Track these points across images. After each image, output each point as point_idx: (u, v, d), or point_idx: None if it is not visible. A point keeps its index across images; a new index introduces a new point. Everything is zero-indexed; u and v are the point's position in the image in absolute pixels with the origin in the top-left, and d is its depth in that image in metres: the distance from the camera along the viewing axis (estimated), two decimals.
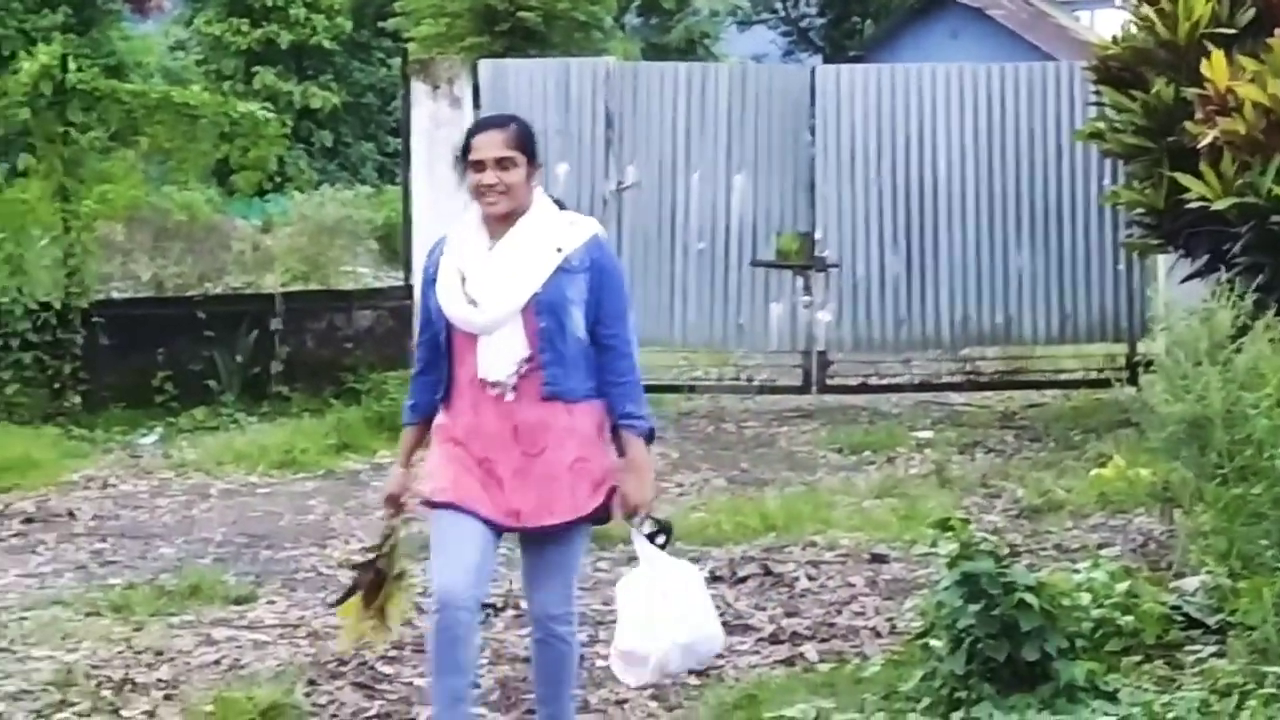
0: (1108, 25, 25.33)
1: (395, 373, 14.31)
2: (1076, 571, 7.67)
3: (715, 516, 10.79)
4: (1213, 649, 7.13)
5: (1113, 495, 10.77)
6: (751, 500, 11.38)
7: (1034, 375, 16.71)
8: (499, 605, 8.60)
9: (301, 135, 40.25)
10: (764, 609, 8.77)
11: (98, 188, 16.56)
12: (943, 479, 12.15)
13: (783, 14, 56.81)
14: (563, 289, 5.86)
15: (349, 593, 6.41)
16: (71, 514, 11.54)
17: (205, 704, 7.15)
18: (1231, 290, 8.97)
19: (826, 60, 46.80)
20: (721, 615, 8.55)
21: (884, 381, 16.75)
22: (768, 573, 9.46)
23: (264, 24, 42.18)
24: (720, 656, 7.90)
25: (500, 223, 5.92)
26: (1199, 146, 11.11)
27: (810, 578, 9.38)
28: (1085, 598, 7.26)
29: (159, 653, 8.07)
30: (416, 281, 12.27)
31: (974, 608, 6.38)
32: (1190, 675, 6.87)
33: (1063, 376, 16.61)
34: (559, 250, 5.87)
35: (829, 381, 16.41)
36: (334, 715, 7.21)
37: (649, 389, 17.44)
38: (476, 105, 16.03)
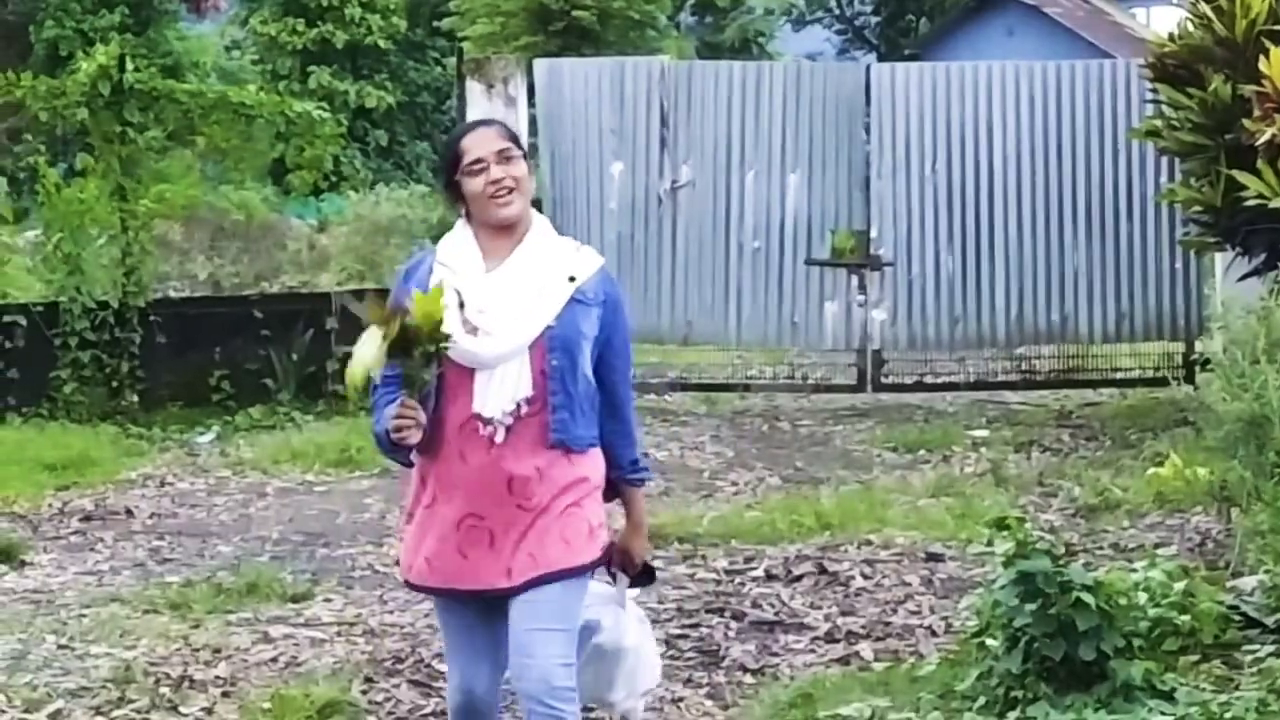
0: (1164, 22, 25.27)
1: None
2: (1133, 571, 7.63)
3: (770, 515, 10.79)
4: (1271, 648, 7.10)
5: (1170, 494, 10.71)
6: (806, 499, 11.37)
7: (1090, 374, 16.65)
8: None
9: (357, 135, 40.34)
10: (819, 608, 8.77)
11: (155, 187, 16.63)
12: (998, 478, 12.12)
13: (837, 12, 56.80)
14: (577, 323, 5.21)
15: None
16: (130, 512, 11.60)
17: (263, 701, 7.18)
18: None
19: (881, 59, 46.79)
20: (776, 614, 8.63)
21: (939, 380, 16.70)
22: (823, 571, 9.46)
23: (319, 24, 42.30)
24: (776, 655, 7.94)
25: (500, 239, 5.26)
26: (1257, 144, 11.03)
27: (865, 576, 9.37)
28: (1142, 597, 7.23)
29: (217, 650, 8.11)
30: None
31: (1030, 607, 6.36)
32: (1248, 675, 6.84)
33: (1119, 375, 16.56)
34: (571, 279, 5.24)
35: (884, 380, 16.40)
36: (390, 713, 7.23)
37: (704, 387, 17.33)
38: (531, 105, 16.07)
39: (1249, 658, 7.07)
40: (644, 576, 5.66)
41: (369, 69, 43.54)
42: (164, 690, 7.46)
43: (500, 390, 5.15)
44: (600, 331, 5.26)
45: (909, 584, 9.21)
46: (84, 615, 8.79)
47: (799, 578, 9.36)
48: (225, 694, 7.44)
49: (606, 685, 5.78)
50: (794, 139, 16.11)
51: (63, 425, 14.55)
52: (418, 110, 45.50)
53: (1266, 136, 10.82)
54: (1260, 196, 10.96)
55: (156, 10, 40.76)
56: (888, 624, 8.43)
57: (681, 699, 7.30)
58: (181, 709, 7.26)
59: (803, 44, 53.21)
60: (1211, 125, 12.35)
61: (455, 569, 5.24)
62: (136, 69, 16.67)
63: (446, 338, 4.99)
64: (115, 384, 15.37)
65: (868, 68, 17.23)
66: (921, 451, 13.55)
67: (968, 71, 16.45)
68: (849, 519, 10.64)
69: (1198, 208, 12.85)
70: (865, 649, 7.99)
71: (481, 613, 5.31)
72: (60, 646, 8.21)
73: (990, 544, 6.72)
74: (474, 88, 15.95)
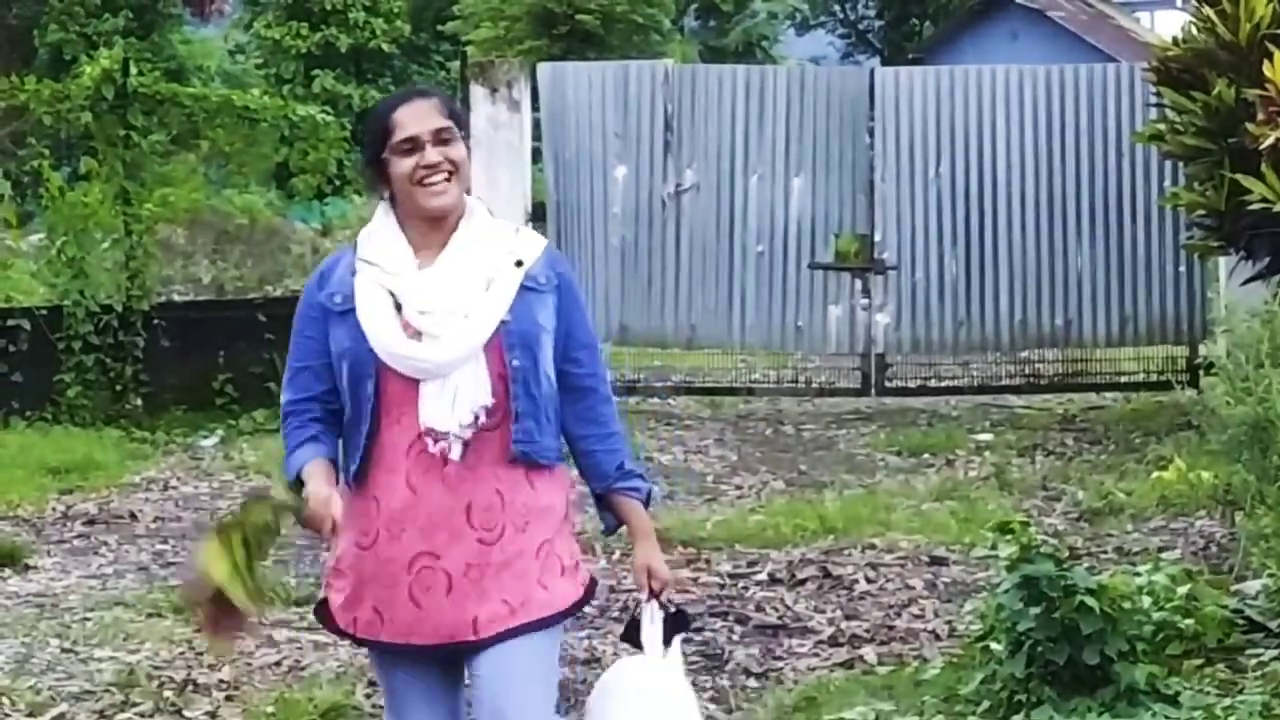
0: (1168, 26, 25.24)
1: None
2: (1137, 574, 7.63)
3: (774, 519, 10.79)
4: (1275, 652, 7.09)
5: (1173, 498, 10.72)
6: (810, 502, 11.37)
7: (1094, 377, 16.65)
8: None
9: (360, 138, 40.32)
10: (823, 611, 8.77)
11: (159, 191, 16.62)
12: (1002, 481, 12.11)
13: (841, 16, 56.86)
14: (534, 315, 4.46)
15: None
16: (133, 515, 11.60)
17: (266, 705, 7.19)
18: None
19: (885, 62, 46.81)
20: (780, 617, 8.63)
21: (943, 384, 16.71)
22: (827, 575, 9.46)
23: (323, 28, 42.30)
24: (779, 658, 7.94)
25: (430, 229, 4.53)
26: (1260, 148, 11.02)
27: (869, 580, 9.37)
28: (1146, 601, 7.22)
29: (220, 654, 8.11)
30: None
31: (1034, 610, 6.37)
32: (1252, 679, 6.84)
33: (1123, 379, 16.56)
34: (518, 264, 4.50)
35: (888, 384, 16.40)
36: None
37: (708, 391, 17.31)
38: (535, 108, 16.07)
39: (1253, 661, 7.07)
40: (677, 622, 4.82)
41: (373, 73, 43.56)
42: (168, 694, 7.47)
43: (456, 400, 4.40)
44: (559, 321, 4.52)
45: (913, 588, 9.21)
46: (88, 619, 8.79)
47: (803, 581, 9.36)
48: (229, 698, 7.44)
49: None
50: (798, 143, 16.11)
51: (66, 429, 14.56)
52: None
53: (1270, 140, 10.81)
54: (1264, 200, 10.95)
55: (160, 14, 40.75)
56: (891, 628, 8.43)
57: None
58: (185, 713, 7.26)
59: (806, 48, 53.29)
60: (1215, 129, 12.34)
61: (412, 619, 4.44)
62: (140, 73, 16.69)
63: (279, 530, 4.37)
64: (119, 387, 15.36)
65: (871, 71, 17.26)
66: (925, 455, 13.54)
67: (971, 75, 16.45)
68: (853, 523, 10.64)
69: (1201, 212, 12.84)
70: (869, 653, 7.98)
71: (438, 668, 4.56)
72: (64, 650, 8.22)
73: (994, 548, 6.72)
74: (478, 91, 15.95)
